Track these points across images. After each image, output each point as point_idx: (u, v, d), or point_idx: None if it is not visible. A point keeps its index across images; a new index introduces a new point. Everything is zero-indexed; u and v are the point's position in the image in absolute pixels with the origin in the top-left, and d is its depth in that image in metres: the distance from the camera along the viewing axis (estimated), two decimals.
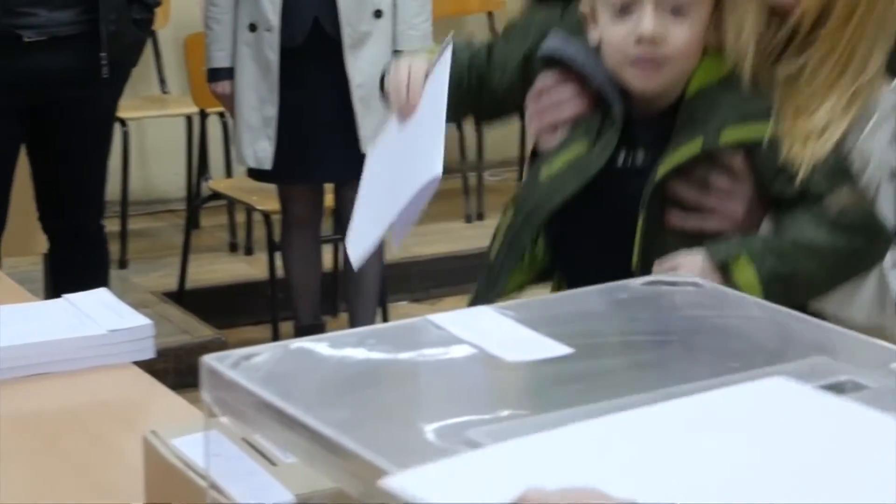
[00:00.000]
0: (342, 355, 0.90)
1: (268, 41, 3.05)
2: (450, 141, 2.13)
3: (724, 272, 1.13)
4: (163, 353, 1.85)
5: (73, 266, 3.00)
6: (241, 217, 3.87)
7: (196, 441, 0.96)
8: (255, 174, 3.14)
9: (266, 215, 3.29)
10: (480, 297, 1.29)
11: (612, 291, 0.97)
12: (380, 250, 3.13)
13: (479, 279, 1.38)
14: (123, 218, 3.84)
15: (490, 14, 4.48)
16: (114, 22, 2.87)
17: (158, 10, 3.15)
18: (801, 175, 1.13)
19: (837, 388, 0.71)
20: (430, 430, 0.72)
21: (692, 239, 1.20)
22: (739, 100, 1.17)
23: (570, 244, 1.29)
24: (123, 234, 3.86)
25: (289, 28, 2.97)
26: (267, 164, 3.02)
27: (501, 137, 4.08)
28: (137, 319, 1.64)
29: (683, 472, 0.60)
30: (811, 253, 1.16)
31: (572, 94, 1.27)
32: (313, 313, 3.25)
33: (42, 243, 3.15)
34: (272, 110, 3.00)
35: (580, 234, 1.27)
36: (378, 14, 3.03)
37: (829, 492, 0.56)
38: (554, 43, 1.27)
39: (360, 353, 0.90)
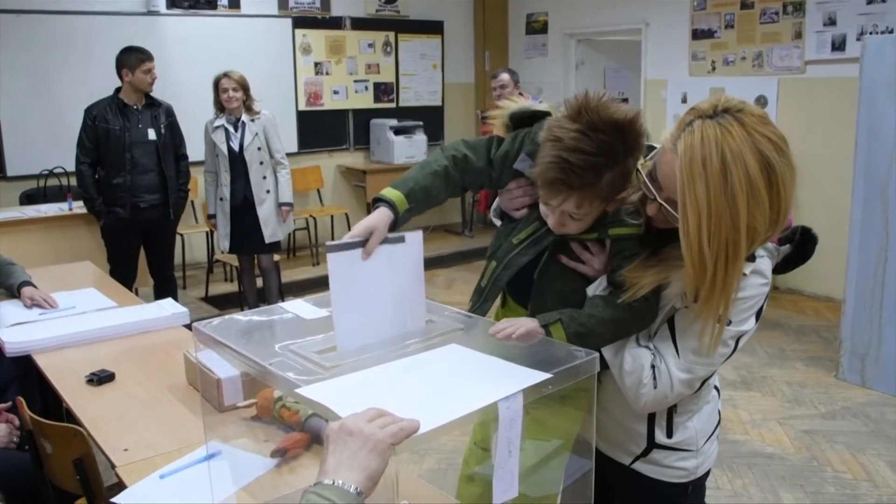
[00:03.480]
0: (250, 319, 1.43)
1: (224, 206, 4.86)
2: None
3: (546, 330, 1.32)
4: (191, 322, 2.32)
5: (162, 290, 4.65)
6: None
7: (201, 354, 1.76)
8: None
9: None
10: (475, 310, 1.51)
11: None
12: (277, 266, 5.12)
13: (472, 297, 1.54)
14: (183, 268, 6.08)
15: None
16: (174, 197, 4.62)
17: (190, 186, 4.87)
18: (626, 278, 1.34)
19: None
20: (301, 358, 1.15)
21: (567, 273, 1.45)
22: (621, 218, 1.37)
23: (522, 277, 1.48)
24: (184, 275, 6.07)
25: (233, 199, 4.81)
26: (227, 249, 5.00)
27: None
28: (182, 309, 2.75)
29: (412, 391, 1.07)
30: (600, 321, 1.35)
31: (530, 192, 1.47)
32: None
33: (151, 281, 4.85)
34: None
35: (528, 272, 1.46)
36: (267, 191, 4.85)
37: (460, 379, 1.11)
38: (521, 164, 1.46)
39: (261, 318, 1.45)
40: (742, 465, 3.39)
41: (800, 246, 1.43)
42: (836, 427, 3.75)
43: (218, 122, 4.78)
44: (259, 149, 4.80)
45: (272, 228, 4.92)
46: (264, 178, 4.84)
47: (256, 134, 4.79)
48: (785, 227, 1.37)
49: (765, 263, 1.38)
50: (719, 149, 1.18)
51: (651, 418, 1.50)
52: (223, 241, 5.00)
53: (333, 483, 0.90)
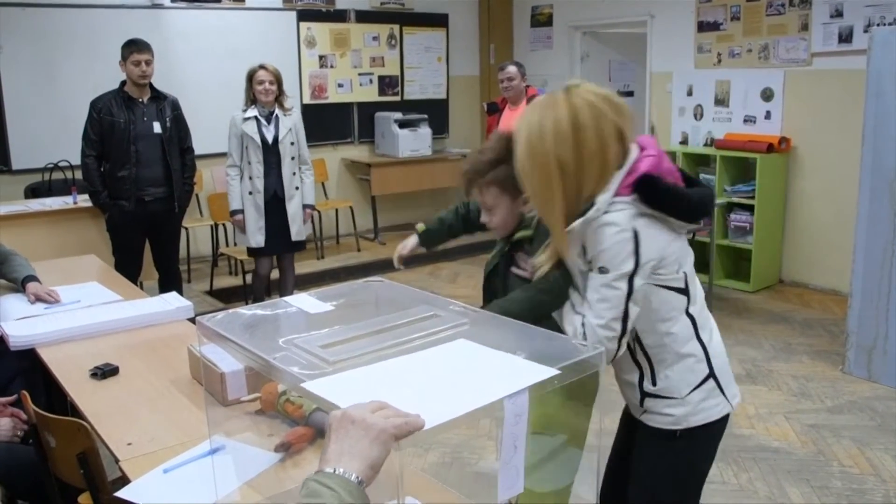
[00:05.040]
0: (255, 313, 1.44)
1: (256, 199, 4.69)
2: None
3: None
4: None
5: (167, 284, 4.65)
6: None
7: (204, 348, 1.80)
8: (253, 251, 4.84)
9: None
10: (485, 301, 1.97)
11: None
12: (291, 260, 5.01)
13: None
14: (188, 262, 5.98)
15: None
16: (179, 190, 4.58)
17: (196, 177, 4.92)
18: (529, 265, 1.77)
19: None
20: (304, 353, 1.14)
21: (520, 280, 1.84)
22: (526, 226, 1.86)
23: (494, 281, 2.00)
24: (189, 269, 5.98)
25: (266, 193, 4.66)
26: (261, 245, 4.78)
27: None
28: (186, 303, 2.77)
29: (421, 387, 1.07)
30: (513, 301, 1.72)
31: None
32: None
33: (156, 275, 4.85)
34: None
35: (497, 276, 1.99)
36: (297, 188, 4.74)
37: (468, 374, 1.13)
38: None
39: (265, 312, 1.47)
40: (748, 459, 3.38)
41: (645, 188, 1.55)
42: (842, 421, 3.74)
43: (249, 114, 4.64)
44: (292, 143, 4.70)
45: (298, 226, 4.80)
46: (294, 173, 4.73)
47: (290, 129, 4.70)
48: (636, 177, 1.56)
49: (617, 217, 1.55)
50: (540, 107, 1.57)
51: (640, 371, 1.73)
52: (256, 236, 4.77)
53: (334, 471, 0.89)
